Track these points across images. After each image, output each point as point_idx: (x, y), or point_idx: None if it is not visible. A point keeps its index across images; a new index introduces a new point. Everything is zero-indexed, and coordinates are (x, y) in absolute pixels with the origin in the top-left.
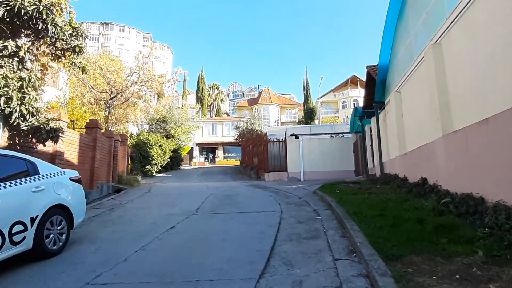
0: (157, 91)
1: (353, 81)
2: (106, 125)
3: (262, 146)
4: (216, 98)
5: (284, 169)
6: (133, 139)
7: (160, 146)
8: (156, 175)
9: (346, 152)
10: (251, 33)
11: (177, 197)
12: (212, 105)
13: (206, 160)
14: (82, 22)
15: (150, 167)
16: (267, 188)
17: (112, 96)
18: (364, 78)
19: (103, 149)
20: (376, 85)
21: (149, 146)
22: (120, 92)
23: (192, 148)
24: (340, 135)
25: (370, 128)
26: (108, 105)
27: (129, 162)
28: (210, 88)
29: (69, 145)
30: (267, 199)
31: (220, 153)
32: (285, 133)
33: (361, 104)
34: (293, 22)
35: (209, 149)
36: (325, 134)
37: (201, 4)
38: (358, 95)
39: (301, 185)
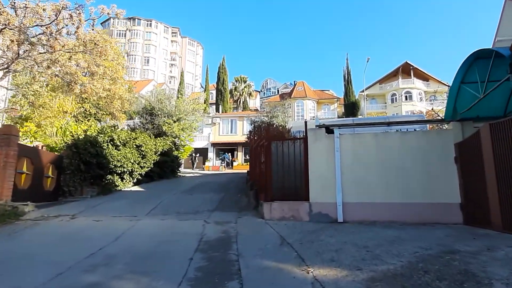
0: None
1: (405, 70)
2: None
3: (264, 149)
4: (243, 92)
5: (304, 195)
6: (68, 138)
7: (137, 147)
8: (128, 188)
9: (437, 162)
10: (288, 27)
11: None
12: (238, 101)
13: (222, 163)
14: (109, 18)
15: (114, 177)
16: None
17: None
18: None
19: None
20: None
21: (107, 147)
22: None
23: (206, 149)
24: (418, 127)
25: None
26: None
27: (50, 174)
28: (236, 81)
29: None
30: None
31: (240, 155)
32: (305, 122)
33: (413, 96)
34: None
35: (227, 151)
36: (384, 124)
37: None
38: (411, 86)
39: (341, 275)
